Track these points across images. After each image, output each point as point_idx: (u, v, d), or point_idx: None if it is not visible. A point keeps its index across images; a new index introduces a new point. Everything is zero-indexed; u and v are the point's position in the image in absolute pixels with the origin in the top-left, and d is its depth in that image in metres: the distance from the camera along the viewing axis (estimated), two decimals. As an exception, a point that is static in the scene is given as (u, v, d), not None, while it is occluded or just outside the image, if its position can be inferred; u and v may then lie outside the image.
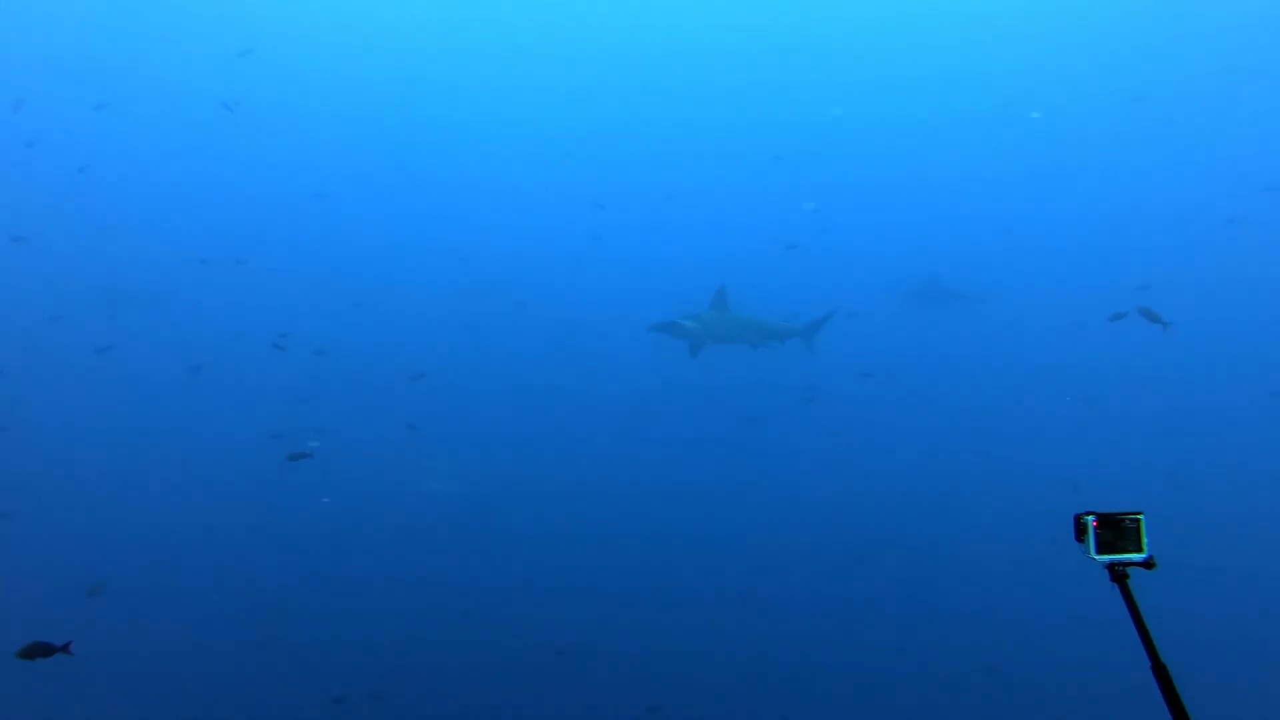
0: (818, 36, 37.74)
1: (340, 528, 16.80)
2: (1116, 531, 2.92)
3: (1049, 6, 35.71)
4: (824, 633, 14.36)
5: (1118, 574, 2.90)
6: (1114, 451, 20.72)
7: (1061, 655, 13.17)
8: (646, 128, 37.91)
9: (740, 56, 37.90)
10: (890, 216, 33.29)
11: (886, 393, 22.69)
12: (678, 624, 14.38)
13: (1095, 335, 21.22)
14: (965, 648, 13.66)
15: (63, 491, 18.02)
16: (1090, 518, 2.96)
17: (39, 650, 6.84)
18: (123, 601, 13.64)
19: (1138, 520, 2.93)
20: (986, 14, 36.19)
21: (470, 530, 17.28)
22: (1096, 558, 2.92)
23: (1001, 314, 25.88)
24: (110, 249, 27.29)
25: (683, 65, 38.38)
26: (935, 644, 13.94)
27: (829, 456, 20.59)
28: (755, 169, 34.74)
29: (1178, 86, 33.65)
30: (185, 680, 12.53)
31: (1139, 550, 2.90)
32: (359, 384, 22.73)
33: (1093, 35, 35.36)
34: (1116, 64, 34.60)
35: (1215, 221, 27.82)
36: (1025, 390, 23.68)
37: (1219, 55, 33.59)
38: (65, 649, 6.78)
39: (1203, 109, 34.07)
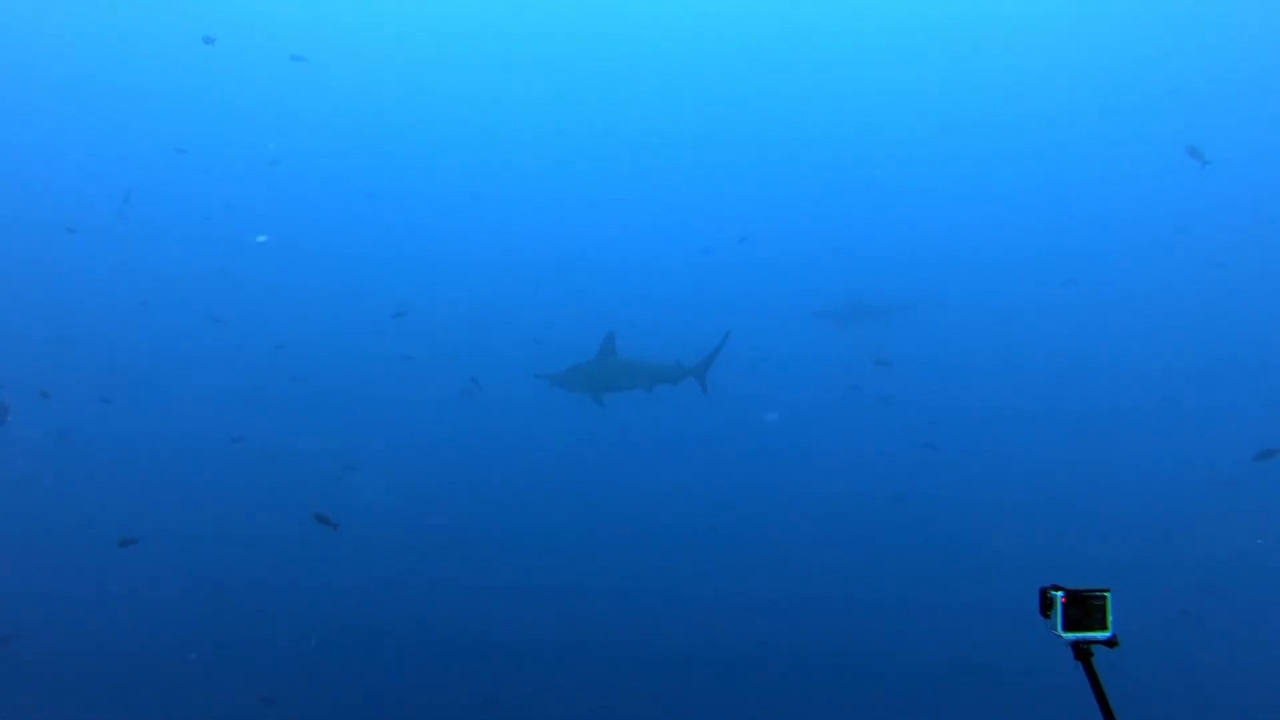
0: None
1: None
2: (1083, 609, 2.89)
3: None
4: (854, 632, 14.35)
5: (1082, 652, 2.90)
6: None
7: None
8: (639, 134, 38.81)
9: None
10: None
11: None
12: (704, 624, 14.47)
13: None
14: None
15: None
16: (1058, 593, 2.91)
17: None
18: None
19: (1104, 597, 2.90)
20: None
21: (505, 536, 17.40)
22: (1063, 635, 2.90)
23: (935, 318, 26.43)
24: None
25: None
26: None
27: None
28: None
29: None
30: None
31: (1104, 629, 2.89)
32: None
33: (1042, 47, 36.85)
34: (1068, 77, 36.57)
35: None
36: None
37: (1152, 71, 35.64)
38: None
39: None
